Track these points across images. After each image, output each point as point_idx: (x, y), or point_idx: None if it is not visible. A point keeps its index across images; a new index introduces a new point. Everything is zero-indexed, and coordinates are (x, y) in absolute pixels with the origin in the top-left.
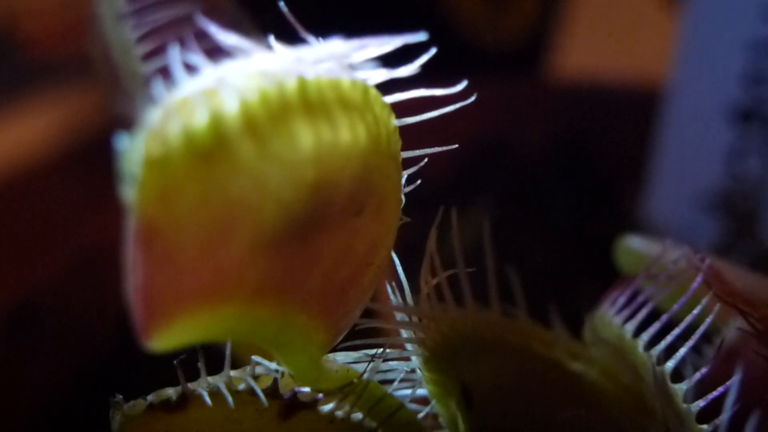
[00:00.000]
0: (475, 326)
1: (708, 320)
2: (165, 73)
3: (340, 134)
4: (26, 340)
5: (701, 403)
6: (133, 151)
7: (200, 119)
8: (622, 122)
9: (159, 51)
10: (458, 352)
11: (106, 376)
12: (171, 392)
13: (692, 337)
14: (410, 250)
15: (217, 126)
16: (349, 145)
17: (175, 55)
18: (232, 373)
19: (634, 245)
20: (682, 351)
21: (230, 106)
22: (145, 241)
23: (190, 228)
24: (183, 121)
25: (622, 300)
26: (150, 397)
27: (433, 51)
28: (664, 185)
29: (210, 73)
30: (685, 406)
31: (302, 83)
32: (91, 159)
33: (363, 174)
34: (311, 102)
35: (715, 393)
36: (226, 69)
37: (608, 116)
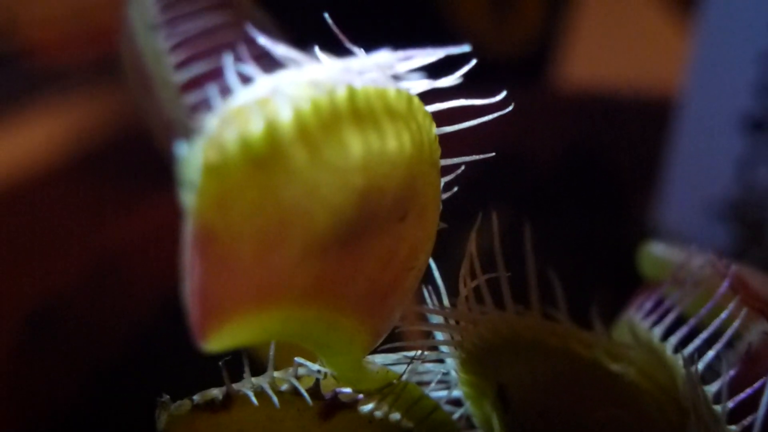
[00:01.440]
0: (514, 329)
1: (735, 325)
2: (197, 82)
3: (387, 142)
4: (42, 345)
5: (730, 404)
6: (192, 157)
7: (256, 127)
8: (634, 131)
9: (191, 60)
10: (496, 354)
11: (122, 381)
12: (216, 392)
13: (718, 341)
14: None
15: (272, 133)
16: (395, 152)
17: (229, 64)
18: (275, 374)
19: (657, 251)
20: (710, 354)
21: (284, 115)
22: (203, 246)
23: (245, 233)
24: (239, 129)
25: (648, 305)
26: (195, 398)
27: (473, 62)
28: (676, 193)
29: (263, 82)
30: (716, 407)
31: (351, 92)
32: (99, 166)
33: (408, 181)
34: (360, 111)
35: (743, 395)
36: (278, 79)
37: (620, 124)
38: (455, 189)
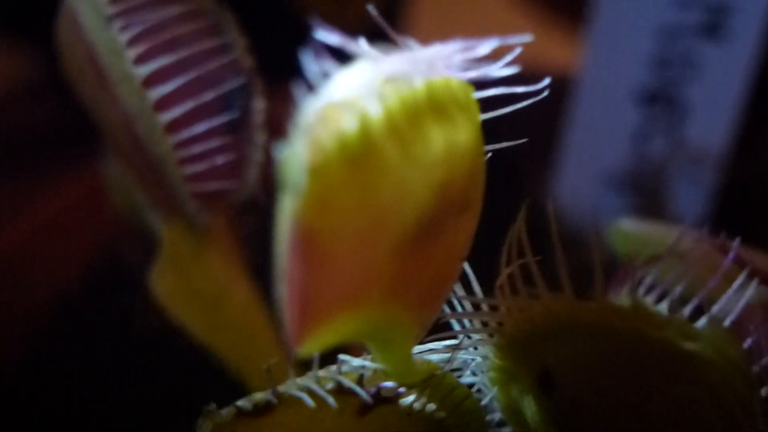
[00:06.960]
0: (574, 313)
1: (746, 296)
2: (160, 75)
3: (460, 134)
4: None
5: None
6: (294, 159)
7: (350, 125)
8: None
9: (151, 53)
10: (543, 339)
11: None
12: (262, 396)
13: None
14: None
15: (366, 131)
16: (465, 143)
17: (311, 63)
18: (320, 373)
19: (630, 227)
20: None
21: (375, 111)
22: (305, 249)
23: (345, 233)
24: (335, 128)
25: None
26: (240, 403)
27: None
28: (573, 165)
29: (343, 78)
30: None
31: (429, 86)
32: None
33: (471, 172)
34: (438, 103)
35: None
36: (357, 74)
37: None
38: None
